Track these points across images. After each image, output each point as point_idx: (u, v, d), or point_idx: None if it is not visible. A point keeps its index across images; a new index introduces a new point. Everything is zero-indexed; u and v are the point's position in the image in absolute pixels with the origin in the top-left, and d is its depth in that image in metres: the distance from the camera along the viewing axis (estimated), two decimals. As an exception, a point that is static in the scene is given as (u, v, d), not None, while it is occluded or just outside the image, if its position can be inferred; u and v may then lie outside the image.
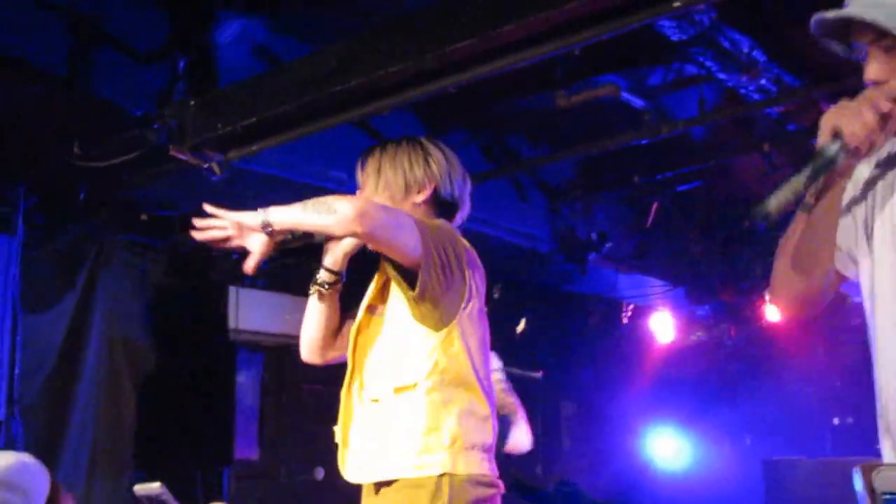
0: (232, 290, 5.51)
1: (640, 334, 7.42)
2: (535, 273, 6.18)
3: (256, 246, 2.42)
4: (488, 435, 2.43)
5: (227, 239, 2.45)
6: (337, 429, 2.57)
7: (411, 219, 2.35)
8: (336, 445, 2.55)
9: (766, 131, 4.96)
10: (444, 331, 2.38)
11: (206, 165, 3.80)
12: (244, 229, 2.42)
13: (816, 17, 1.71)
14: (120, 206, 4.79)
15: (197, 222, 2.50)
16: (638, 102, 4.48)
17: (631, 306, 7.34)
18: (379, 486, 2.42)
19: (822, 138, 1.70)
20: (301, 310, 6.08)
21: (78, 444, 4.77)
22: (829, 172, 1.72)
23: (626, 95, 4.45)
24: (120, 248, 5.04)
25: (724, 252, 6.44)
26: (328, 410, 6.18)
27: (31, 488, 1.94)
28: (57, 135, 3.99)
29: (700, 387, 7.41)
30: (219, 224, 2.46)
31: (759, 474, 6.35)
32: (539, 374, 4.48)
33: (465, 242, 2.51)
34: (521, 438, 3.79)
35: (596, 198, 5.70)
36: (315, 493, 5.41)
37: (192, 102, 3.70)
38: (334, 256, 2.63)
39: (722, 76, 4.15)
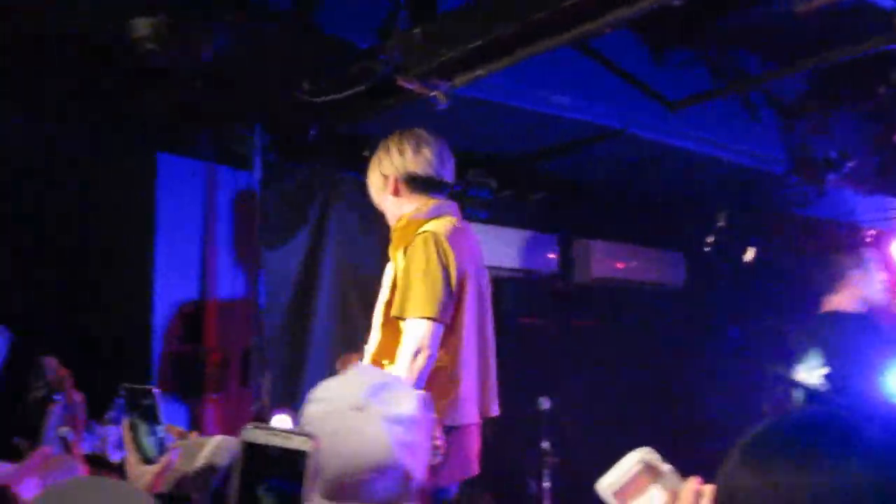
0: (457, 224, 5.54)
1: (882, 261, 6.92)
2: (767, 197, 5.88)
3: None
4: (451, 392, 3.15)
5: None
6: None
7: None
8: None
9: None
10: None
11: (431, 94, 3.81)
12: None
13: None
14: (348, 142, 4.91)
15: None
16: (886, 2, 4.10)
17: (872, 231, 6.84)
18: None
19: None
20: (520, 243, 6.09)
21: (317, 373, 5.00)
22: None
23: (873, -6, 4.08)
24: (349, 183, 5.18)
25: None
26: (543, 342, 6.23)
27: (430, 427, 1.77)
28: (287, 72, 4.12)
29: (952, 317, 6.83)
30: None
31: None
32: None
33: (442, 235, 3.26)
34: None
35: (833, 113, 5.31)
36: (539, 424, 5.43)
37: (417, 30, 3.71)
38: None
39: None
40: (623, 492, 1.55)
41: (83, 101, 4.24)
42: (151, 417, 2.35)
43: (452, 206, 3.51)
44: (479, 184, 5.32)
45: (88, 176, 4.51)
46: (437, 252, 3.19)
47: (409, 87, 3.80)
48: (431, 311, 3.11)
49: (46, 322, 4.53)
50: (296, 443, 1.36)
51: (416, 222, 3.40)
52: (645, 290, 6.71)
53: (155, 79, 4.13)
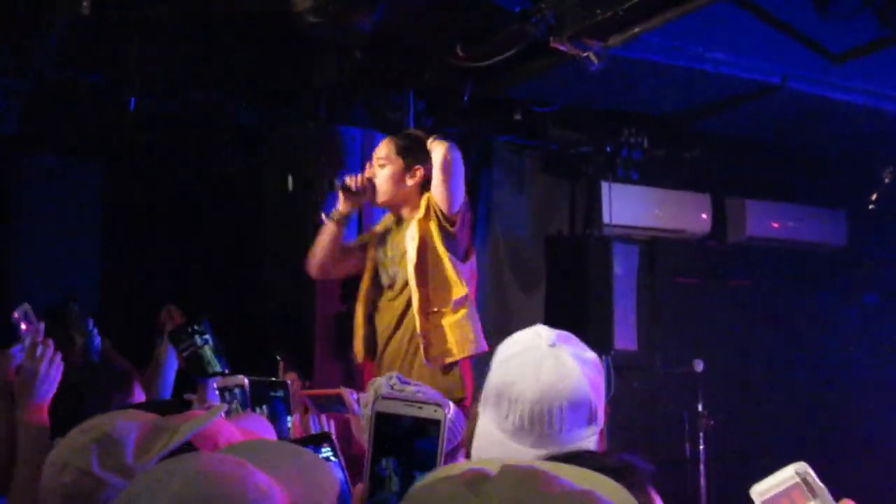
0: (605, 185, 5.53)
1: None
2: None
3: None
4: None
5: None
6: None
7: None
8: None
9: None
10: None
11: (584, 55, 3.80)
12: None
13: None
14: (499, 106, 4.96)
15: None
16: None
17: None
18: None
19: None
20: (672, 203, 6.01)
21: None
22: None
23: None
24: (499, 147, 5.24)
25: None
26: (701, 303, 6.14)
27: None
28: (441, 38, 4.19)
29: None
30: None
31: None
32: None
33: None
34: None
35: None
36: (693, 385, 5.37)
37: (570, -9, 3.70)
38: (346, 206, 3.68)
39: None
40: (774, 501, 1.56)
41: (251, 75, 4.45)
42: (284, 408, 2.43)
43: None
44: (631, 144, 5.28)
45: (259, 144, 4.73)
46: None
47: (562, 48, 3.79)
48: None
49: (215, 282, 4.80)
50: (427, 412, 1.35)
51: None
52: (804, 249, 6.50)
53: (317, 50, 4.30)
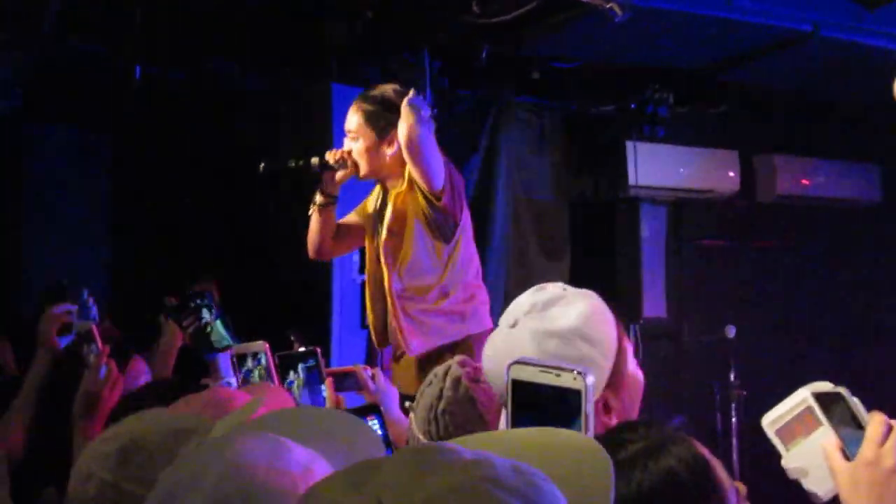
0: (629, 144, 5.37)
1: None
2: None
3: None
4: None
5: None
6: None
7: None
8: None
9: None
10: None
11: (608, 6, 3.65)
12: None
13: None
14: (517, 65, 4.82)
15: None
16: None
17: None
18: None
19: None
20: (699, 161, 5.84)
21: (493, 295, 4.99)
22: None
23: None
24: (519, 108, 5.10)
25: None
26: (730, 266, 5.97)
27: (607, 337, 1.61)
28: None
29: None
30: None
31: None
32: None
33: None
34: None
35: None
36: (724, 353, 5.20)
37: (590, -62, 3.55)
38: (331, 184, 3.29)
39: None
40: (787, 430, 1.44)
41: (260, 39, 4.34)
42: (317, 378, 2.35)
43: None
44: (656, 101, 5.11)
45: (270, 109, 4.64)
46: None
47: (584, -1, 3.65)
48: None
49: (228, 254, 4.73)
50: (566, 380, 1.24)
51: None
52: (836, 207, 6.31)
53: (328, 11, 4.18)
